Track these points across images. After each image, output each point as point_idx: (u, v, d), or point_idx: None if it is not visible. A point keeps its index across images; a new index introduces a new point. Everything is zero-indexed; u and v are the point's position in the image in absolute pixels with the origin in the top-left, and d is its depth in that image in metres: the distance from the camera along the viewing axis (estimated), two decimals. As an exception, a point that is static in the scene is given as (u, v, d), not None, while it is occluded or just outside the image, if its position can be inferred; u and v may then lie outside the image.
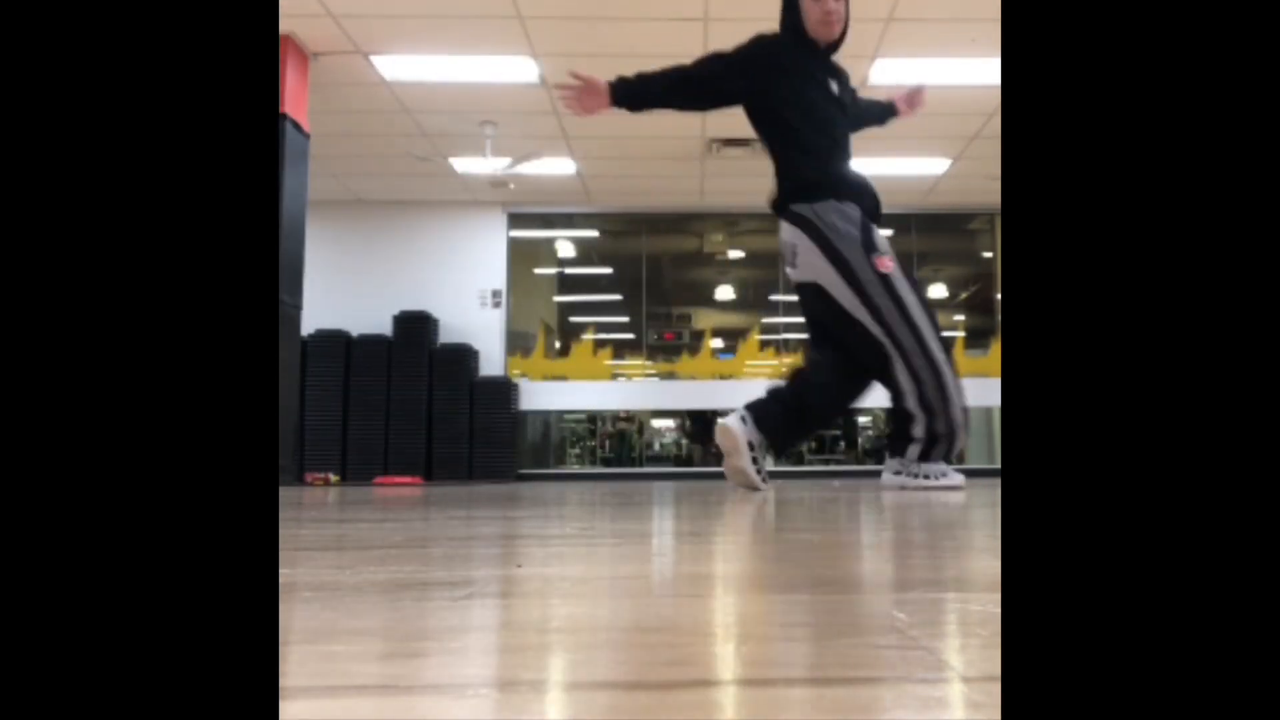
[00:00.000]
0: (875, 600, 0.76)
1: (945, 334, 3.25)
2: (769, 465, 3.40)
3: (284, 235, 5.41)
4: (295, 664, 0.53)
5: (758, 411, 3.10)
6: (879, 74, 5.81)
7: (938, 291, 9.14)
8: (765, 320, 8.98)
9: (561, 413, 9.01)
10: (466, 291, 8.44)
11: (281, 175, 5.38)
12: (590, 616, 0.68)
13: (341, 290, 8.17)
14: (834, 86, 3.29)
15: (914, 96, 3.68)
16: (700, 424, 9.44)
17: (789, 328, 9.02)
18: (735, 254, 9.37)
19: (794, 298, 3.39)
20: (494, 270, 8.50)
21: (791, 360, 8.85)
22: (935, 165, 7.54)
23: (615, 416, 9.28)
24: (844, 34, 3.28)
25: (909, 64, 5.70)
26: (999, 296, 8.80)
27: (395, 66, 5.76)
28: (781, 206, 3.19)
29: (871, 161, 7.45)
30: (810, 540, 1.36)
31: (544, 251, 9.29)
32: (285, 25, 5.22)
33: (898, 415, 3.15)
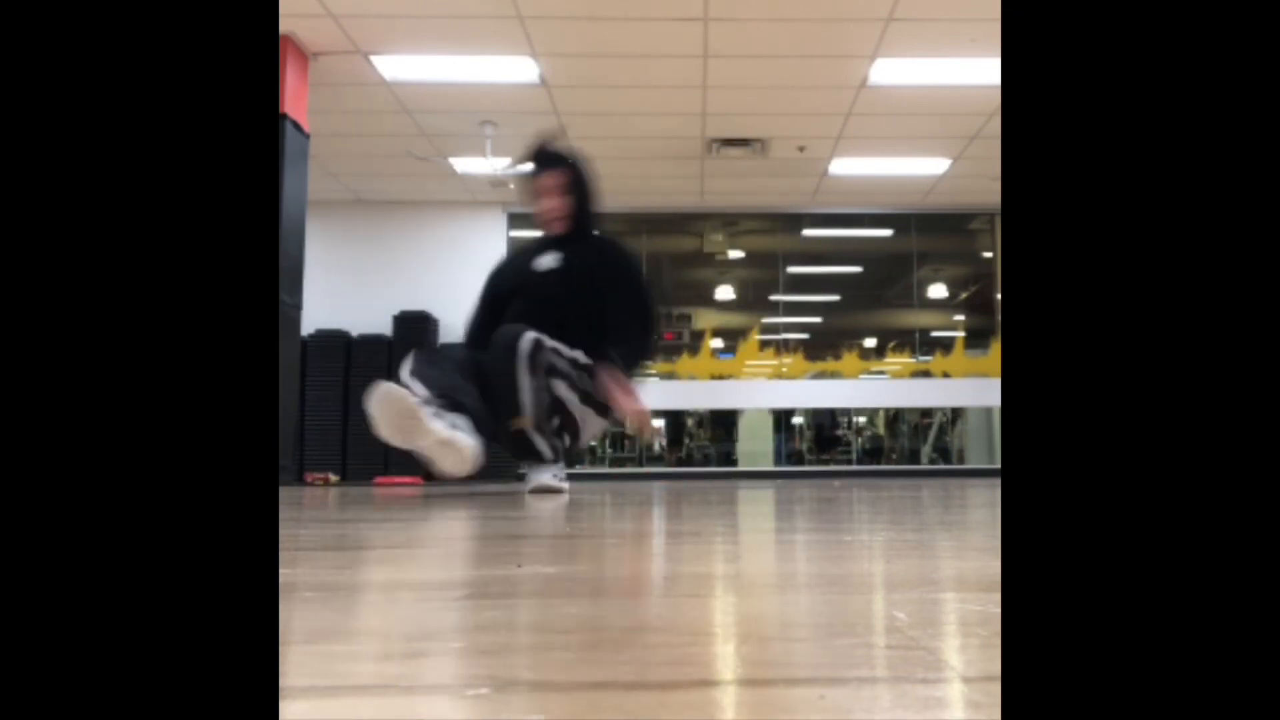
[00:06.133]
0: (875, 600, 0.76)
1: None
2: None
3: (284, 235, 5.41)
4: (295, 664, 0.53)
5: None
6: (879, 74, 5.81)
7: (938, 291, 9.14)
8: (765, 320, 8.98)
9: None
10: (466, 291, 8.43)
11: (281, 175, 5.38)
12: (590, 616, 0.68)
13: (341, 290, 8.16)
14: (551, 261, 3.36)
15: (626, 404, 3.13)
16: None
17: (789, 328, 9.02)
18: (735, 254, 9.37)
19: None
20: (494, 270, 8.49)
21: (791, 360, 8.85)
22: (935, 165, 7.54)
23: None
24: (580, 222, 3.40)
25: (909, 64, 5.70)
26: (999, 296, 8.80)
27: (395, 66, 5.76)
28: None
29: (872, 161, 7.48)
30: (805, 540, 1.36)
31: (544, 251, 9.29)
32: (285, 25, 5.22)
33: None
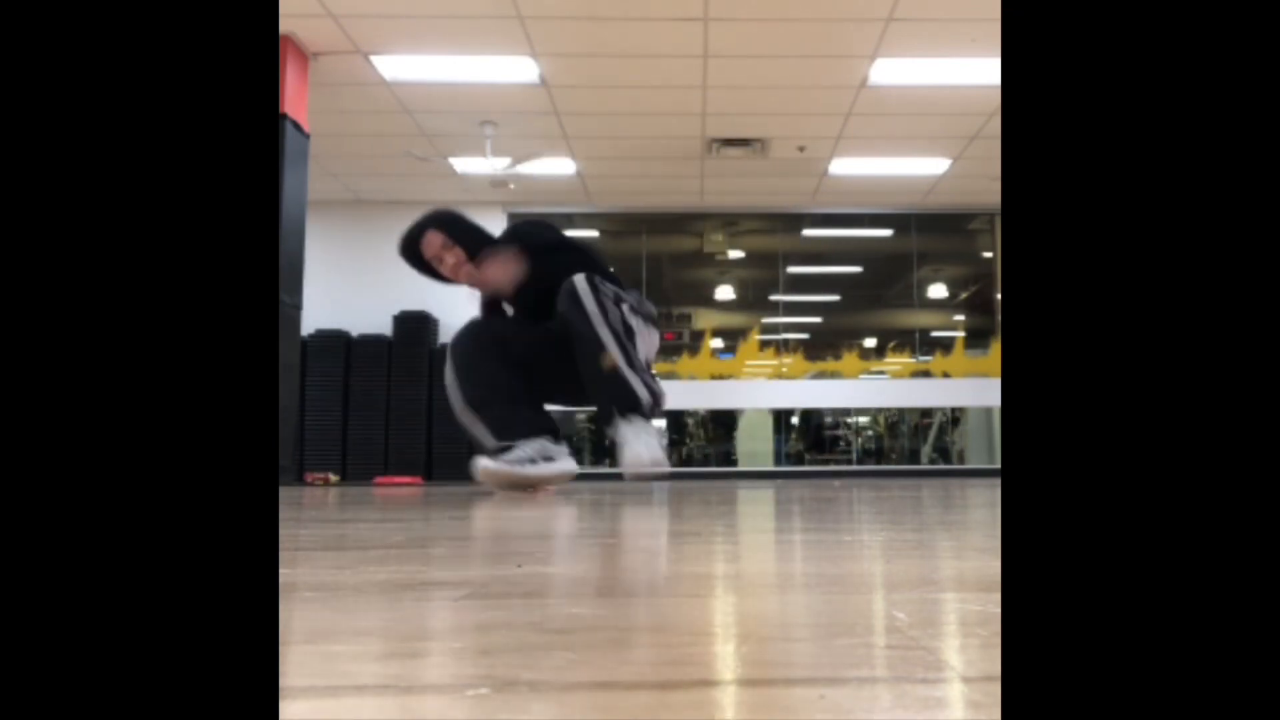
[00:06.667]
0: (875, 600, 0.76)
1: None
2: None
3: (284, 235, 5.42)
4: (295, 664, 0.53)
5: None
6: (879, 74, 5.81)
7: (938, 291, 9.14)
8: (765, 320, 8.98)
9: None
10: (467, 291, 8.44)
11: (281, 175, 5.39)
12: (590, 616, 0.68)
13: (341, 290, 8.17)
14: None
15: None
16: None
17: (789, 328, 9.02)
18: (735, 254, 9.37)
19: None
20: (494, 270, 8.50)
21: (791, 360, 8.85)
22: (935, 165, 7.54)
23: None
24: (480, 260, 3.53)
25: (909, 64, 5.71)
26: (999, 296, 8.80)
27: (395, 66, 5.76)
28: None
29: (872, 161, 7.48)
30: (804, 540, 1.36)
31: (544, 251, 9.29)
32: (285, 25, 5.22)
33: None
